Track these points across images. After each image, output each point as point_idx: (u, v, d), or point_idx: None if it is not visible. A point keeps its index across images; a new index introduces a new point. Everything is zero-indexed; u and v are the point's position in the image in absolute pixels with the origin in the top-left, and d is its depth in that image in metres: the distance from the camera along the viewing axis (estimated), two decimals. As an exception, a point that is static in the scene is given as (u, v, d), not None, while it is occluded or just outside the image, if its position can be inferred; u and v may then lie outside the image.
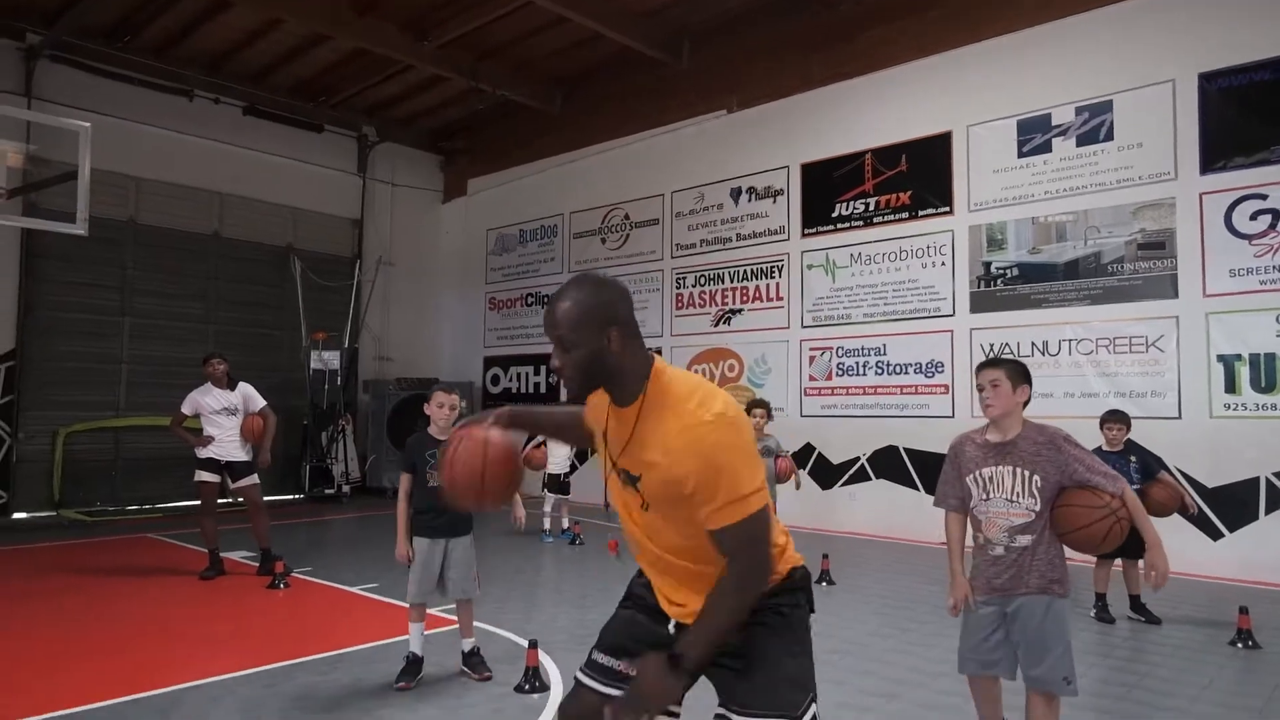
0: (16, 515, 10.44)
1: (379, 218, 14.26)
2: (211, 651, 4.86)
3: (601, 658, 2.14)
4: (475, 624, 4.56)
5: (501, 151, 14.17)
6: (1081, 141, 8.46)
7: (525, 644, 4.37)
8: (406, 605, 4.31)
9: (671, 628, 2.08)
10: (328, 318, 13.02)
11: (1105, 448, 5.86)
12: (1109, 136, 8.30)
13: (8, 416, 10.49)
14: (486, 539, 7.31)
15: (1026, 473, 3.09)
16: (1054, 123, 8.63)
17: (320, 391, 12.55)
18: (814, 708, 1.95)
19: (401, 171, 14.60)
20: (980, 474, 3.18)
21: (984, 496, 3.17)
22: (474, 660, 4.42)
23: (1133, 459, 5.77)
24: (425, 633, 4.38)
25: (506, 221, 14.25)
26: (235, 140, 12.42)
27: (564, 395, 12.60)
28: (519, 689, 4.15)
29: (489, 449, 2.11)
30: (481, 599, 4.57)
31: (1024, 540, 3.08)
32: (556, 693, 4.11)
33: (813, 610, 2.09)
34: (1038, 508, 3.07)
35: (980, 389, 3.21)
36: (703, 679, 2.05)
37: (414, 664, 4.33)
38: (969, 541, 3.28)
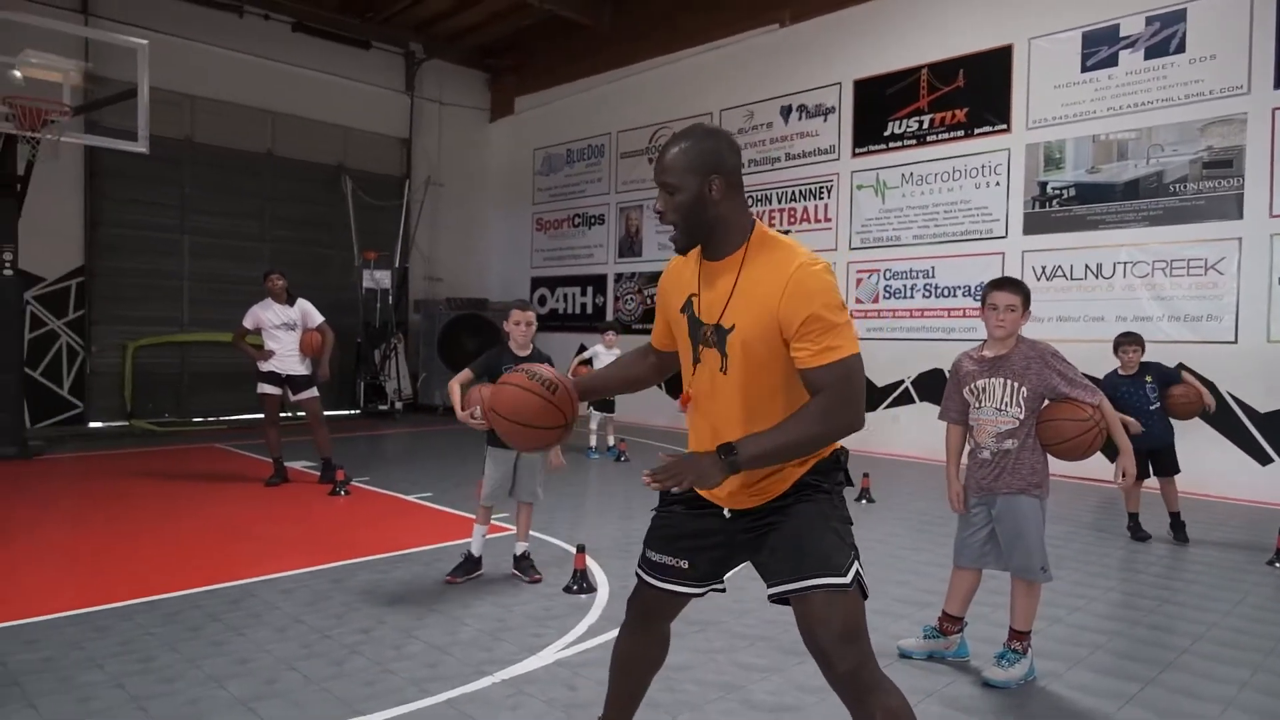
0: (92, 424, 11.03)
1: (427, 137, 14.29)
2: (280, 551, 5.16)
3: (655, 555, 2.22)
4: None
5: (549, 69, 13.98)
6: (1150, 54, 8.09)
7: (573, 550, 4.59)
8: (458, 513, 4.50)
9: (727, 513, 2.13)
10: (378, 237, 13.22)
11: (1121, 371, 5.78)
12: (1180, 49, 7.93)
13: (80, 330, 10.98)
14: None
15: (1015, 384, 3.35)
16: (1122, 34, 8.25)
17: (373, 310, 12.86)
18: (857, 564, 2.00)
19: (449, 90, 14.53)
20: (975, 385, 3.45)
21: (977, 405, 3.45)
22: (525, 563, 4.65)
23: (1148, 379, 5.68)
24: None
25: (553, 141, 14.17)
26: (285, 58, 12.47)
27: (610, 314, 12.60)
28: (567, 589, 4.38)
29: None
30: (534, 508, 4.77)
31: (1009, 444, 3.35)
32: (603, 594, 4.34)
33: (850, 484, 2.15)
34: (1022, 415, 3.34)
35: (994, 308, 3.34)
36: (750, 570, 2.16)
37: (470, 562, 4.59)
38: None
